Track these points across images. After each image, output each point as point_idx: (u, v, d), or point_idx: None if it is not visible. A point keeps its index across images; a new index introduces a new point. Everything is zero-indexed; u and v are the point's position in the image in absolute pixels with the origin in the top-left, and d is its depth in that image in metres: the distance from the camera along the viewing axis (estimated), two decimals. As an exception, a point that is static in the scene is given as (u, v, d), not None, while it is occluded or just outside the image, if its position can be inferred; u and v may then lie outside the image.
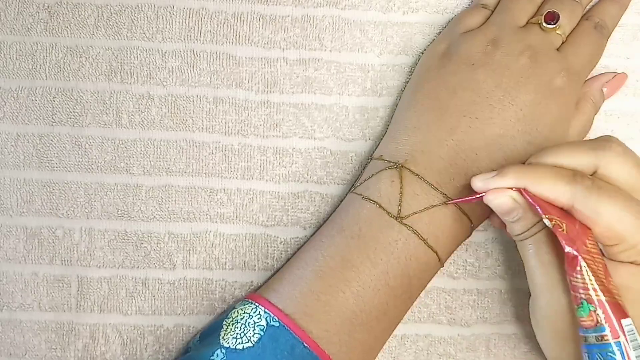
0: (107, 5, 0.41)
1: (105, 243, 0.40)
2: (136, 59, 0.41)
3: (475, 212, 0.36)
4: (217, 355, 0.34)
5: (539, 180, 0.31)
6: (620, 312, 0.29)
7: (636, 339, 0.29)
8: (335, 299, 0.34)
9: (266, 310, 0.34)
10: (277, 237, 0.41)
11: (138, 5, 0.42)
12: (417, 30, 0.42)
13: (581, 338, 0.30)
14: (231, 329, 0.34)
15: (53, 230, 0.40)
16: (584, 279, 0.30)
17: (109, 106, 0.41)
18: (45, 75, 0.41)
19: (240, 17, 0.42)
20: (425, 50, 0.42)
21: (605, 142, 0.32)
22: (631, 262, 0.31)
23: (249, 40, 0.42)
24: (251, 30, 0.42)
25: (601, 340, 0.29)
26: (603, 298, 0.29)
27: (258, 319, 0.34)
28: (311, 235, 0.40)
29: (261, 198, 0.41)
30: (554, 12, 0.39)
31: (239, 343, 0.34)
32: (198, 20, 0.42)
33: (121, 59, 0.41)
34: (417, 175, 0.36)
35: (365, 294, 0.35)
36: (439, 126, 0.37)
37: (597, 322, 0.29)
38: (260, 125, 0.41)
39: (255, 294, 0.36)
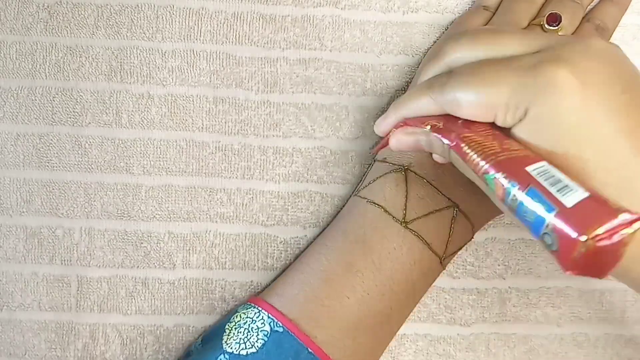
0: (107, 5, 0.41)
1: (105, 243, 0.40)
2: (136, 58, 0.41)
3: (476, 215, 0.36)
4: None
5: (407, 104, 0.32)
6: (525, 162, 0.27)
7: (553, 176, 0.26)
8: (340, 304, 0.34)
9: (269, 315, 0.34)
10: (277, 237, 0.41)
11: (138, 5, 0.41)
12: (417, 30, 0.42)
13: (510, 213, 0.27)
14: (234, 334, 0.34)
15: (53, 230, 0.40)
16: (473, 155, 0.28)
17: (108, 106, 0.41)
18: (45, 75, 0.41)
19: (240, 17, 0.42)
20: (426, 51, 0.42)
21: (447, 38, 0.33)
22: (519, 122, 0.28)
23: (249, 40, 0.42)
24: (251, 30, 0.42)
25: (517, 200, 0.26)
26: (500, 158, 0.27)
27: (261, 324, 0.34)
28: (312, 235, 0.40)
29: (261, 198, 0.41)
30: (556, 13, 0.38)
31: (243, 348, 0.34)
32: (198, 20, 0.42)
33: (121, 58, 0.41)
34: (422, 178, 0.36)
35: (370, 299, 0.34)
36: None
37: (503, 185, 0.26)
38: (261, 125, 0.41)
39: (257, 298, 0.36)
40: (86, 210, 0.40)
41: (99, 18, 0.41)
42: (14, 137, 0.41)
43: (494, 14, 0.41)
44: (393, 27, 0.42)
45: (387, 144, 0.34)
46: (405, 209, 0.35)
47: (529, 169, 0.26)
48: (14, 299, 0.40)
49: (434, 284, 0.40)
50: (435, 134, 0.30)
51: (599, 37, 0.40)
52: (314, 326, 0.34)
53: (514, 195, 0.26)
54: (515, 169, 0.26)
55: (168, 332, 0.40)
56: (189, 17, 0.42)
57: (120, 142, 0.41)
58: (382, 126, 0.34)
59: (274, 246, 0.41)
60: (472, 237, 0.38)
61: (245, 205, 0.41)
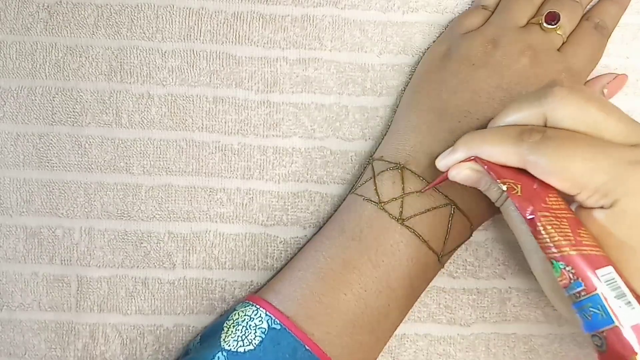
0: (107, 5, 0.41)
1: (105, 243, 0.40)
2: (136, 58, 0.41)
3: (474, 213, 0.36)
4: (219, 358, 0.33)
5: (486, 146, 0.31)
6: (595, 263, 0.28)
7: (618, 287, 0.28)
8: (337, 301, 0.34)
9: (267, 312, 0.34)
10: (277, 237, 0.41)
11: (138, 5, 0.42)
12: (417, 29, 0.42)
13: (569, 299, 0.29)
14: (232, 332, 0.34)
15: (53, 229, 0.40)
16: (546, 238, 0.28)
17: (108, 106, 0.41)
18: (45, 75, 0.41)
19: (240, 17, 0.42)
20: (425, 51, 0.42)
21: (548, 87, 0.31)
22: (601, 207, 0.29)
23: (248, 39, 0.42)
24: (251, 29, 0.42)
25: (580, 297, 0.28)
26: (572, 252, 0.28)
27: (259, 321, 0.34)
28: (311, 235, 0.40)
29: (261, 198, 0.41)
30: (554, 12, 0.38)
31: (240, 346, 0.34)
32: (198, 20, 0.42)
33: (121, 58, 0.41)
34: (418, 176, 0.36)
35: (367, 296, 0.34)
36: (439, 127, 0.37)
37: (570, 279, 0.28)
38: (260, 124, 0.41)
39: (255, 296, 0.36)
40: (86, 210, 0.40)
41: (99, 18, 0.41)
42: (14, 137, 0.41)
43: (492, 13, 0.41)
44: (393, 26, 0.42)
45: (445, 179, 0.33)
46: (401, 206, 0.35)
47: (599, 272, 0.28)
48: (14, 299, 0.40)
49: (434, 284, 0.40)
50: (512, 200, 0.30)
51: (598, 35, 0.40)
52: (311, 323, 0.34)
53: (578, 292, 0.28)
54: (585, 269, 0.28)
55: (168, 332, 0.40)
56: (189, 17, 0.42)
57: (120, 142, 0.41)
58: (447, 161, 0.32)
59: (274, 246, 0.41)
60: (471, 235, 0.38)
61: (245, 205, 0.41)
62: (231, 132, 0.41)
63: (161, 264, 0.40)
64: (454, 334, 0.40)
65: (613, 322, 0.27)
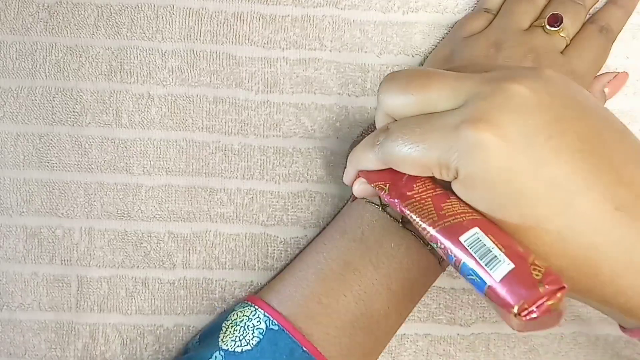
0: (107, 5, 0.41)
1: (105, 243, 0.40)
2: (136, 58, 0.41)
3: None
4: (216, 357, 0.34)
5: (358, 158, 0.32)
6: (458, 231, 0.28)
7: (483, 246, 0.27)
8: (337, 302, 0.34)
9: (265, 313, 0.34)
10: (277, 237, 0.41)
11: (138, 5, 0.42)
12: (417, 30, 0.42)
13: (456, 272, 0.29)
14: (230, 332, 0.34)
15: (53, 230, 0.40)
16: (416, 223, 0.29)
17: (108, 106, 0.41)
18: (45, 75, 0.41)
19: (240, 17, 0.42)
20: (426, 51, 0.42)
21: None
22: (455, 179, 0.28)
23: (249, 40, 0.42)
24: (251, 30, 0.42)
25: (458, 268, 0.27)
26: (434, 230, 0.28)
27: (257, 322, 0.34)
28: (312, 235, 0.40)
29: (261, 198, 0.41)
30: (557, 14, 0.38)
31: (238, 346, 0.34)
32: (198, 20, 0.42)
33: (121, 58, 0.41)
34: None
35: (367, 297, 0.35)
36: None
37: (444, 254, 0.28)
38: (261, 125, 0.41)
39: (255, 297, 0.36)
40: (86, 210, 0.40)
41: (99, 18, 0.41)
42: (14, 137, 0.41)
43: (495, 16, 0.40)
44: (393, 27, 0.42)
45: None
46: None
47: (461, 239, 0.27)
48: (14, 299, 0.40)
49: (434, 284, 0.40)
50: (382, 198, 0.31)
51: (603, 38, 0.40)
52: (311, 324, 0.34)
53: (455, 264, 0.28)
54: (448, 241, 0.28)
55: (168, 332, 0.40)
56: (189, 17, 0.42)
57: (120, 142, 0.41)
58: (345, 179, 0.35)
59: (274, 246, 0.41)
60: None
61: (246, 205, 0.41)
62: (231, 132, 0.41)
63: (161, 264, 0.40)
64: (454, 334, 0.40)
65: (486, 283, 0.26)
